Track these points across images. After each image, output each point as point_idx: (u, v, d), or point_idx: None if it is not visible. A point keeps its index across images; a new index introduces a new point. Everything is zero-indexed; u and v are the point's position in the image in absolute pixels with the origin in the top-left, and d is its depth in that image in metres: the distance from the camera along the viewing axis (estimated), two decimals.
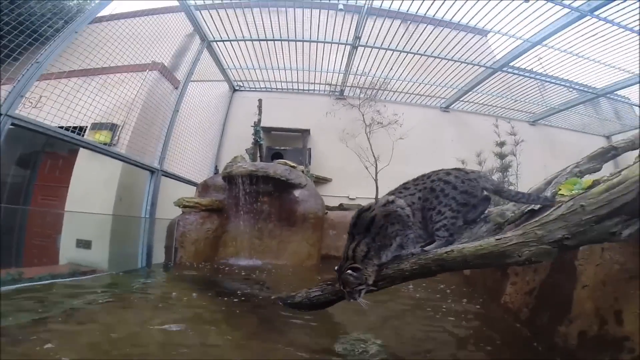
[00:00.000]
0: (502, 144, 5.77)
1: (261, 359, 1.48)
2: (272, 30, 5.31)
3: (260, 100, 5.28)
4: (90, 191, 5.10)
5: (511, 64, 5.68)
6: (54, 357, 1.25)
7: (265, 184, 3.82)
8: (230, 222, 3.93)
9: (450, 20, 4.99)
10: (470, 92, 6.69)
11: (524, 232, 1.35)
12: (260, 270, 3.43)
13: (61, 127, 3.44)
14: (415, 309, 2.26)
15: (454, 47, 5.47)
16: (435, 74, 6.21)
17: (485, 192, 1.82)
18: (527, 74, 6.02)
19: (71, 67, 3.58)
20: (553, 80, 6.19)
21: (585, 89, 6.35)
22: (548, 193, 2.26)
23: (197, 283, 2.84)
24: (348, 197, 6.18)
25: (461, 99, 7.01)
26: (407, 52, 5.62)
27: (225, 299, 2.31)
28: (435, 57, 5.70)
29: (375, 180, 5.52)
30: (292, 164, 4.32)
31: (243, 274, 3.24)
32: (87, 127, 4.78)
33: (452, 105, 7.25)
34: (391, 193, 1.85)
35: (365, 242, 1.64)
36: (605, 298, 1.33)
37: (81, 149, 5.23)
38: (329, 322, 2.00)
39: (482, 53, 5.64)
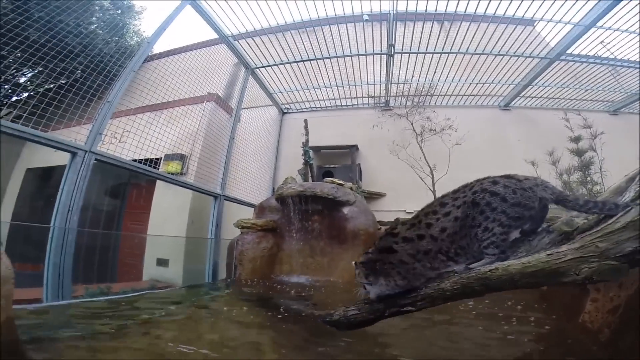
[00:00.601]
0: (577, 139, 5.04)
1: None
2: (307, 51, 5.56)
3: (305, 121, 5.49)
4: (167, 216, 5.79)
5: (570, 51, 5.12)
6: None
7: (315, 203, 3.93)
8: (285, 241, 4.09)
9: (494, 14, 4.73)
10: (531, 86, 6.11)
11: (581, 246, 1.15)
12: (312, 288, 3.49)
13: (139, 160, 3.98)
14: (472, 327, 2.10)
15: (500, 42, 5.13)
16: (486, 72, 5.82)
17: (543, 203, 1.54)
18: (592, 61, 5.33)
19: (141, 104, 4.14)
20: (625, 64, 5.36)
21: None
22: (631, 194, 1.91)
23: (251, 300, 3.01)
24: (405, 210, 5.96)
25: (521, 95, 6.41)
26: (449, 53, 5.42)
27: (275, 314, 2.42)
28: (481, 54, 5.37)
29: (433, 191, 5.25)
30: (340, 182, 4.36)
31: (293, 291, 3.33)
32: (161, 158, 5.52)
33: (513, 103, 6.63)
34: (414, 217, 1.61)
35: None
36: None
37: (158, 181, 6.03)
38: (374, 342, 1.93)
39: (534, 44, 5.17)
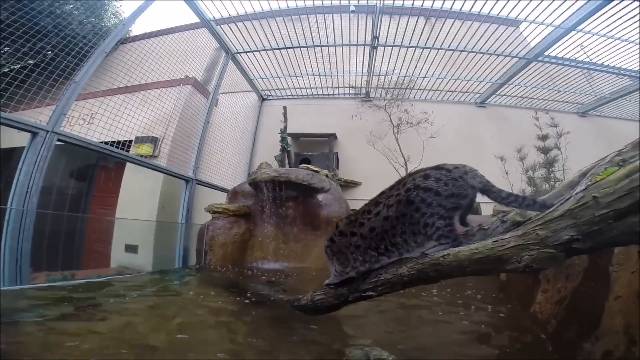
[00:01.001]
0: (544, 137, 5.29)
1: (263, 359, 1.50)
2: (291, 39, 5.47)
3: (285, 108, 5.42)
4: (137, 200, 5.59)
5: (548, 53, 5.29)
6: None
7: (289, 189, 3.90)
8: (257, 227, 4.06)
9: (479, 13, 4.79)
10: (507, 85, 6.30)
11: (523, 233, 1.17)
12: (285, 274, 3.50)
13: (109, 142, 3.83)
14: (432, 314, 2.17)
15: (482, 40, 5.23)
16: (465, 69, 5.95)
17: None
18: (567, 63, 5.56)
19: (114, 85, 3.98)
20: (599, 68, 5.63)
21: (637, 74, 5.64)
22: (581, 187, 2.02)
23: (219, 285, 2.98)
24: None
25: (497, 93, 6.62)
26: (431, 48, 5.49)
27: (242, 299, 2.41)
28: (463, 51, 5.48)
29: None
30: (315, 169, 4.35)
31: (265, 277, 3.33)
32: (132, 141, 5.29)
33: (488, 100, 6.85)
34: (355, 213, 1.71)
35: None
36: (638, 313, 1.13)
37: (127, 163, 5.79)
38: (338, 327, 1.98)
39: (514, 44, 5.32)
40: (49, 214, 5.11)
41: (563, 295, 1.74)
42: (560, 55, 5.42)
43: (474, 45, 5.35)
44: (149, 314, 2.03)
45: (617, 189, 0.97)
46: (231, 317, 2.02)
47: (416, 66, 5.92)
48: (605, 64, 5.53)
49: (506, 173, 5.22)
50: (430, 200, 1.46)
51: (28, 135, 2.82)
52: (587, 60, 5.49)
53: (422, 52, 5.60)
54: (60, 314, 1.82)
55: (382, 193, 1.66)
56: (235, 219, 3.94)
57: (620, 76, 5.69)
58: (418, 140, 5.65)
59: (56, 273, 4.01)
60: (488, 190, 1.50)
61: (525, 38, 5.32)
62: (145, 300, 2.38)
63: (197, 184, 4.86)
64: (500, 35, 5.12)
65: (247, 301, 2.40)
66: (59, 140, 2.97)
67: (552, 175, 5.09)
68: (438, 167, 1.55)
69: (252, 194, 4.18)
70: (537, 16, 4.72)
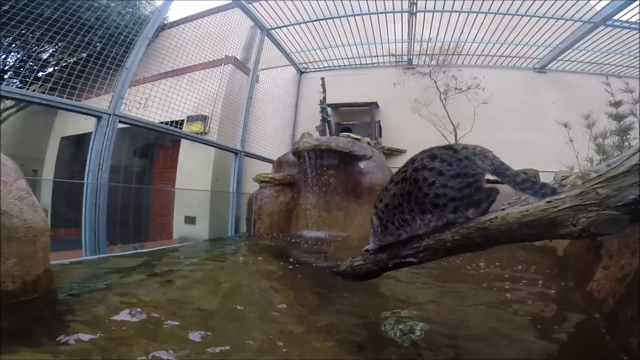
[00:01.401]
0: (617, 104, 4.65)
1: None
2: (323, 11, 5.34)
3: (322, 79, 5.38)
4: (192, 174, 6.07)
5: (619, 17, 4.58)
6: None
7: (331, 157, 3.95)
8: (301, 196, 4.21)
9: None
10: (571, 50, 5.60)
11: (581, 192, 1.03)
12: (327, 242, 3.63)
13: (164, 122, 4.20)
14: (475, 288, 2.10)
15: (539, 2, 4.66)
16: (520, 33, 5.36)
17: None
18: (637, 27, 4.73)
19: (162, 70, 4.29)
20: None
21: None
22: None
23: (266, 252, 3.17)
24: None
25: (560, 58, 5.90)
26: (477, 12, 5.02)
27: (287, 265, 2.57)
28: (515, 15, 4.91)
29: None
30: (356, 137, 4.33)
31: (308, 245, 3.49)
32: (184, 120, 5.70)
33: (550, 65, 6.13)
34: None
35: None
36: None
37: (182, 140, 6.28)
38: (377, 296, 2.00)
39: (576, 6, 4.67)
40: (119, 187, 5.80)
41: (626, 272, 1.57)
42: (634, 19, 4.67)
43: (528, 9, 4.79)
44: (204, 278, 2.22)
45: None
46: (274, 283, 2.14)
47: (462, 31, 5.46)
48: None
49: (570, 140, 4.74)
50: (433, 180, 1.43)
51: (94, 120, 3.20)
52: None
53: (467, 16, 5.14)
54: (132, 280, 2.05)
55: (397, 171, 1.64)
56: (281, 188, 4.12)
57: None
58: (469, 106, 5.31)
59: (128, 245, 4.60)
60: (501, 173, 1.39)
61: (588, 1, 4.65)
62: (201, 267, 2.60)
63: (245, 155, 5.13)
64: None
65: (290, 267, 2.55)
66: (120, 121, 3.30)
67: (626, 143, 4.51)
68: (446, 147, 1.50)
69: (296, 163, 4.30)
70: None
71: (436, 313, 1.61)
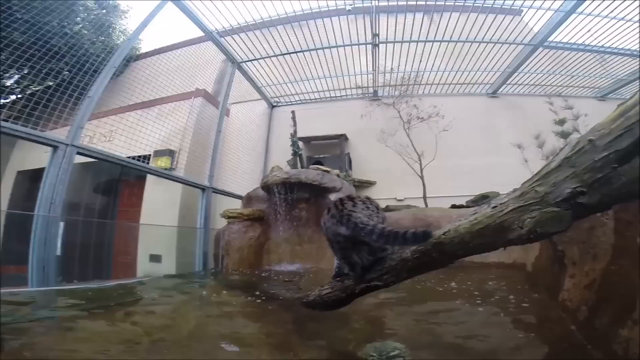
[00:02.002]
0: (561, 122, 5.10)
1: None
2: (293, 44, 5.59)
3: (293, 112, 5.49)
4: (158, 212, 5.82)
5: (554, 38, 5.25)
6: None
7: (301, 190, 3.94)
8: (272, 230, 4.11)
9: (480, 3, 4.78)
10: (518, 74, 6.20)
11: (522, 193, 1.05)
12: (301, 275, 3.51)
13: (130, 157, 4.05)
14: (450, 307, 2.08)
15: (484, 29, 5.21)
16: (472, 60, 5.90)
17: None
18: (576, 47, 5.44)
19: (130, 102, 4.19)
20: (611, 50, 5.47)
21: None
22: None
23: (234, 286, 3.04)
24: (396, 198, 6.00)
25: (509, 82, 6.50)
26: (433, 41, 5.49)
27: (255, 298, 2.43)
28: (466, 42, 5.45)
29: (421, 177, 5.30)
30: (326, 169, 4.38)
31: (277, 279, 3.36)
32: (150, 155, 5.56)
33: (500, 90, 6.71)
34: None
35: None
36: None
37: (148, 177, 6.07)
38: (352, 324, 1.92)
39: (517, 31, 5.25)
40: (78, 222, 5.41)
41: (592, 278, 1.57)
42: (569, 40, 5.33)
43: (476, 35, 5.32)
44: (165, 311, 2.08)
45: (613, 128, 0.88)
46: (243, 315, 2.04)
47: (421, 61, 5.91)
48: (619, 46, 5.39)
49: (525, 161, 5.06)
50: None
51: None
52: (597, 44, 5.36)
53: (424, 45, 5.59)
54: (81, 313, 1.90)
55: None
56: (250, 223, 4.01)
57: (636, 57, 5.43)
58: (430, 134, 5.57)
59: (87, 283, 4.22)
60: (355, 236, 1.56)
61: (526, 24, 5.25)
62: (163, 300, 2.46)
63: (213, 192, 5.01)
64: (501, 24, 5.09)
65: (258, 300, 2.41)
66: (79, 153, 3.14)
67: None
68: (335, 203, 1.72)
69: (266, 198, 4.24)
70: (535, 1, 4.68)
71: (413, 335, 1.57)
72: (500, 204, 1.12)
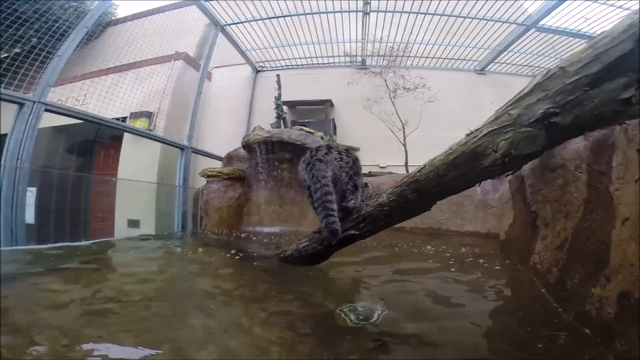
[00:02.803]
0: None
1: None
2: (281, 8, 5.36)
3: (278, 76, 5.32)
4: (135, 174, 5.59)
5: (548, 21, 5.21)
6: None
7: (283, 150, 3.86)
8: (253, 191, 4.05)
9: None
10: (507, 52, 6.17)
11: (496, 117, 1.08)
12: (280, 237, 3.50)
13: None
14: (424, 274, 2.07)
15: (478, 5, 5.11)
16: (462, 35, 5.82)
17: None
18: (568, 32, 5.43)
19: (106, 66, 4.01)
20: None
21: None
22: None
23: (212, 245, 2.99)
24: (378, 165, 6.04)
25: (497, 61, 6.47)
26: (425, 14, 5.35)
27: (233, 256, 2.40)
28: (458, 17, 5.35)
29: (404, 144, 5.32)
30: (309, 130, 4.29)
31: (256, 239, 3.34)
32: (126, 117, 5.31)
33: (488, 67, 6.68)
34: None
35: None
36: None
37: (124, 139, 5.82)
38: (328, 288, 1.87)
39: (511, 10, 5.18)
40: (52, 185, 5.17)
41: (563, 238, 1.56)
42: (562, 25, 5.32)
43: (469, 12, 5.22)
44: (143, 268, 2.04)
45: (582, 57, 0.91)
46: (217, 272, 2.00)
47: (411, 32, 5.77)
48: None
49: None
50: None
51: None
52: (590, 31, 5.30)
53: (415, 17, 5.45)
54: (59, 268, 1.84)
55: None
56: (230, 183, 3.93)
57: None
58: (415, 104, 5.55)
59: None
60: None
61: (522, 5, 5.18)
62: (140, 257, 2.41)
63: (193, 152, 4.86)
64: (495, 2, 4.99)
65: (236, 257, 2.38)
66: (46, 110, 3.00)
67: None
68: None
69: (247, 157, 4.15)
70: None
71: (389, 295, 1.53)
72: (475, 130, 1.14)
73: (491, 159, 1.08)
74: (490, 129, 1.08)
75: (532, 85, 1.01)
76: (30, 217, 3.69)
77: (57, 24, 3.32)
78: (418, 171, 1.42)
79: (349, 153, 2.07)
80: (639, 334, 0.84)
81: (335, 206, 1.65)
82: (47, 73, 3.05)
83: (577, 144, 1.67)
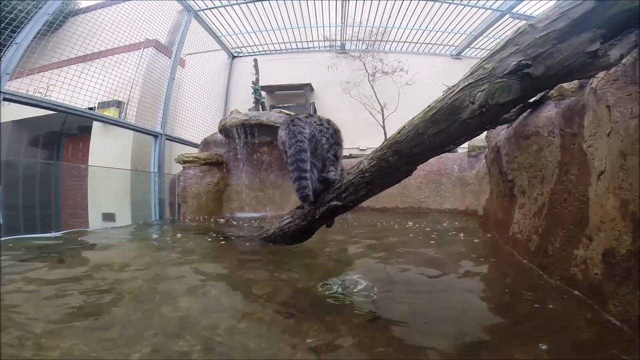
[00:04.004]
0: None
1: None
2: None
3: (255, 60, 5.16)
4: (108, 165, 5.33)
5: (520, 9, 5.39)
6: None
7: (262, 134, 3.77)
8: (232, 176, 3.96)
9: None
10: (483, 38, 6.27)
11: (471, 73, 1.13)
12: (262, 221, 3.44)
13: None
14: (407, 248, 2.08)
15: None
16: (439, 21, 5.89)
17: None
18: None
19: (73, 55, 3.85)
20: None
21: None
22: None
23: (191, 230, 2.90)
24: (358, 148, 6.04)
25: (473, 46, 6.58)
26: None
27: (214, 240, 2.35)
28: (436, 1, 5.37)
29: (383, 127, 5.36)
30: (288, 112, 4.21)
31: (240, 223, 3.26)
32: (94, 107, 5.03)
33: (464, 52, 6.79)
34: None
35: None
36: (634, 184, 0.83)
37: (93, 129, 5.53)
38: (313, 260, 1.87)
39: None
40: (18, 180, 4.84)
41: (540, 203, 1.57)
42: (536, 13, 5.43)
43: None
44: (120, 255, 1.95)
45: (550, 14, 0.96)
46: (196, 256, 1.92)
47: (390, 17, 5.76)
48: None
49: None
50: None
51: None
52: None
53: (394, 2, 5.45)
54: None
55: None
56: (208, 168, 3.81)
57: None
58: (394, 88, 5.59)
59: None
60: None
61: None
62: (117, 244, 2.31)
63: (167, 139, 4.67)
64: None
65: (220, 241, 2.33)
66: (4, 99, 2.89)
67: None
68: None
69: (224, 142, 4.03)
70: None
71: (375, 270, 1.52)
72: (452, 86, 1.18)
73: (469, 110, 1.11)
74: (466, 83, 1.12)
75: (505, 41, 1.06)
76: None
77: (14, 12, 3.17)
78: (398, 132, 1.43)
79: (331, 123, 2.03)
80: (633, 292, 0.78)
81: (308, 166, 1.61)
82: (4, 61, 2.93)
83: (550, 111, 1.72)
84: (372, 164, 1.63)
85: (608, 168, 0.97)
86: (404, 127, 1.39)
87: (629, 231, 0.83)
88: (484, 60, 1.11)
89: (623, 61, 0.92)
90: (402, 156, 1.45)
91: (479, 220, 2.99)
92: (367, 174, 1.66)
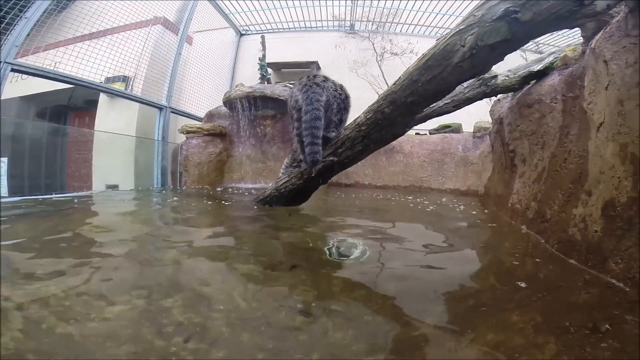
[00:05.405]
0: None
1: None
2: None
3: (263, 37, 5.12)
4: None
5: None
6: None
7: (265, 106, 3.76)
8: (234, 147, 3.96)
9: None
10: None
11: (462, 20, 1.16)
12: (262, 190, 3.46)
13: None
14: (407, 221, 2.06)
15: None
16: (452, 4, 5.73)
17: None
18: None
19: (80, 33, 3.95)
20: None
21: None
22: None
23: (190, 195, 2.95)
24: None
25: None
26: None
27: (214, 203, 2.38)
28: None
29: None
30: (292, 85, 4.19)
31: (239, 193, 3.29)
32: (101, 82, 5.06)
33: None
34: None
35: None
36: (632, 126, 0.81)
37: (99, 103, 5.58)
38: (310, 222, 1.86)
39: None
40: (24, 152, 4.92)
41: (541, 168, 1.58)
42: None
43: None
44: (123, 218, 1.96)
45: None
46: (195, 217, 1.94)
47: None
48: None
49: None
50: None
51: None
52: None
53: None
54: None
55: None
56: (211, 138, 3.83)
57: None
58: (402, 68, 5.39)
59: None
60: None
61: None
62: (121, 206, 2.34)
63: (172, 112, 4.68)
64: None
65: (217, 204, 2.36)
66: (12, 70, 2.95)
67: None
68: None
69: (228, 115, 4.03)
70: None
71: (374, 238, 1.49)
72: (443, 35, 1.23)
73: (460, 53, 1.15)
74: (457, 29, 1.16)
75: None
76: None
77: None
78: (394, 84, 1.45)
79: (344, 88, 2.09)
80: (636, 245, 0.74)
81: (321, 133, 1.65)
82: (14, 34, 2.98)
83: (553, 80, 1.72)
84: (368, 116, 1.64)
85: (607, 119, 0.96)
86: (399, 78, 1.42)
87: (628, 175, 0.82)
88: (475, 9, 1.13)
89: (617, 18, 0.93)
90: (397, 106, 1.48)
91: (480, 199, 3.00)
92: (363, 127, 1.67)
